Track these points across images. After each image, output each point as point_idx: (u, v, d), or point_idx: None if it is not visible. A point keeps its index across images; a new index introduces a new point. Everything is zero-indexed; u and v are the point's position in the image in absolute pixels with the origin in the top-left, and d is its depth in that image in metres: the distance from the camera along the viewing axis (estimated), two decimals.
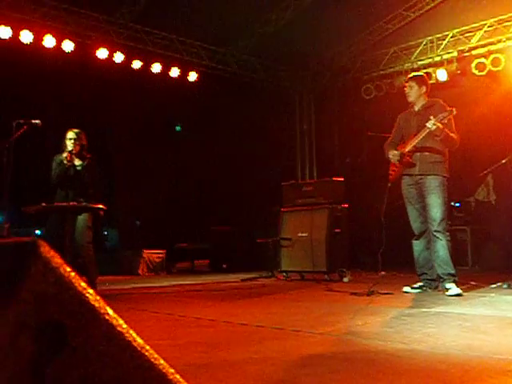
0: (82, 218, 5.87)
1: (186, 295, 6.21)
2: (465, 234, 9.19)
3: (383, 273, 7.23)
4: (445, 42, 9.89)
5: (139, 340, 0.68)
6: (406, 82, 5.87)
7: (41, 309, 0.63)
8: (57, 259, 0.68)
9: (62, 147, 6.18)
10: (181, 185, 11.42)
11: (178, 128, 12.97)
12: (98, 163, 6.30)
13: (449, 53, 9.91)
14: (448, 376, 2.25)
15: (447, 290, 5.27)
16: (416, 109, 5.76)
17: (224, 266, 10.64)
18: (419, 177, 5.58)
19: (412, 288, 5.65)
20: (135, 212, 11.58)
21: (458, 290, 5.21)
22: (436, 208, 5.44)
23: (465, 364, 2.42)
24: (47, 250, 0.68)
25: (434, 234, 5.45)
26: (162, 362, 0.68)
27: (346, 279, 7.22)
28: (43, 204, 5.34)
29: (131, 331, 0.69)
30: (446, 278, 5.39)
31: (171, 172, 11.60)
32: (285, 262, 7.99)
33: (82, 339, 0.63)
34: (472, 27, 9.50)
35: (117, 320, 0.67)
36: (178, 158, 11.69)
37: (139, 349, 0.66)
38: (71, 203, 5.63)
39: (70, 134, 6.13)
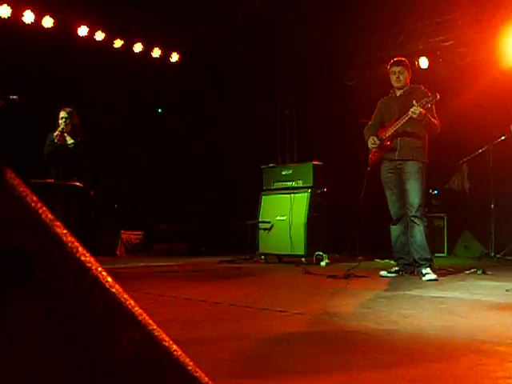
0: (77, 198, 5.97)
1: (163, 276, 6.19)
2: (442, 221, 9.29)
3: (361, 257, 7.27)
4: (428, 31, 9.90)
5: (109, 279, 0.67)
6: (394, 66, 5.74)
7: (5, 236, 0.61)
8: (24, 188, 0.66)
9: (55, 126, 6.25)
10: (161, 167, 11.32)
11: (159, 111, 12.85)
12: (88, 142, 6.41)
13: (431, 41, 9.92)
14: (422, 354, 2.28)
15: (423, 275, 5.32)
16: (398, 94, 5.76)
17: (203, 248, 10.62)
18: (399, 162, 5.60)
19: (389, 272, 5.70)
20: (114, 193, 11.48)
21: (433, 276, 5.27)
22: (414, 193, 5.47)
23: (439, 343, 2.45)
24: (13, 177, 0.66)
25: (412, 219, 5.49)
26: (131, 302, 0.66)
27: (323, 263, 7.25)
28: (32, 180, 5.29)
29: (101, 269, 0.67)
30: (422, 262, 5.45)
31: (152, 154, 11.50)
32: (263, 244, 8.00)
33: (48, 272, 0.61)
34: (455, 16, 9.51)
35: (85, 256, 0.65)
36: (159, 141, 11.59)
37: (108, 287, 0.65)
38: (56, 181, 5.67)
39: (62, 113, 6.22)
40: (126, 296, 0.67)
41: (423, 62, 9.83)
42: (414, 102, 5.31)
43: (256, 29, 10.61)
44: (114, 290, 0.65)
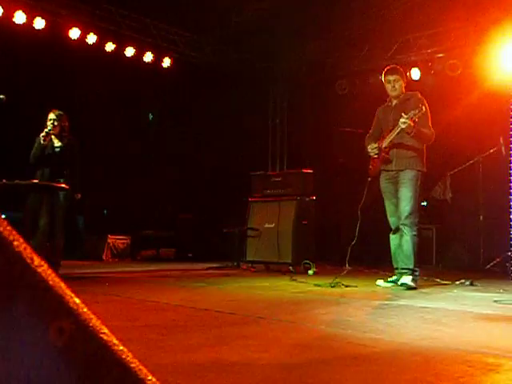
0: (62, 200, 5.90)
1: (148, 281, 6.11)
2: (430, 232, 9.25)
3: (349, 267, 7.21)
4: (419, 42, 9.92)
5: (35, 257, 0.60)
6: (389, 74, 5.65)
7: None
8: None
9: (44, 128, 6.19)
10: (150, 172, 11.24)
11: (150, 117, 12.78)
12: (77, 145, 6.37)
13: (423, 53, 9.94)
14: (408, 363, 2.22)
15: (402, 283, 5.30)
16: (394, 102, 5.68)
17: (190, 254, 10.53)
18: (395, 172, 5.57)
19: (386, 281, 5.64)
20: (103, 199, 11.38)
21: (410, 284, 5.22)
22: (405, 201, 5.43)
23: (426, 353, 2.40)
24: None
25: (401, 227, 5.46)
26: (63, 286, 0.60)
27: (310, 272, 7.19)
28: (4, 180, 5.20)
29: (27, 246, 0.60)
30: (404, 271, 5.42)
31: (141, 159, 11.41)
32: (250, 252, 7.93)
33: None
34: (447, 28, 9.54)
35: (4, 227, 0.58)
36: (150, 146, 11.52)
37: (33, 265, 0.58)
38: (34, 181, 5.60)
39: (51, 115, 6.20)
40: (56, 279, 0.60)
41: (415, 73, 9.83)
42: (403, 113, 5.26)
43: (248, 37, 10.59)
44: (40, 270, 0.58)
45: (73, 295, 0.61)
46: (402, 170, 5.51)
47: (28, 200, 6.03)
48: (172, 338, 2.66)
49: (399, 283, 5.23)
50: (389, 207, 5.72)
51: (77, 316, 0.60)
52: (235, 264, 8.18)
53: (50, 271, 0.60)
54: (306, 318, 3.43)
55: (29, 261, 0.57)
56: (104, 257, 9.83)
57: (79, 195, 6.30)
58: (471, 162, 8.07)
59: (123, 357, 0.62)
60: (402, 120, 5.22)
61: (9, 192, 5.87)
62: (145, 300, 4.17)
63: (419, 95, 5.62)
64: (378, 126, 5.86)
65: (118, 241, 10.11)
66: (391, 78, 5.64)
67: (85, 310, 0.61)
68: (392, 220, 5.71)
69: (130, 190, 10.97)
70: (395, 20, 9.76)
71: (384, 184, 5.71)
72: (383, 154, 5.59)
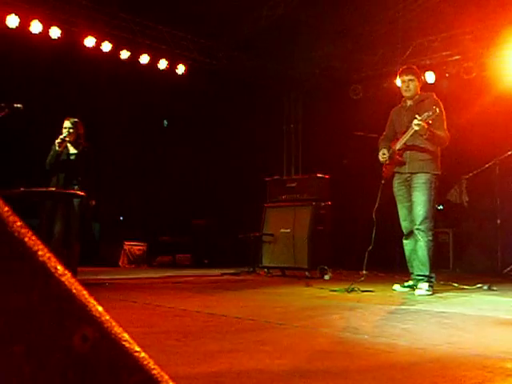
0: (77, 207, 5.96)
1: (164, 287, 6.13)
2: (447, 236, 9.19)
3: (365, 272, 7.18)
4: (434, 45, 9.88)
5: (59, 266, 0.61)
6: (404, 74, 5.60)
7: None
8: None
9: (60, 135, 6.30)
10: (166, 178, 11.29)
11: (165, 123, 12.85)
12: (92, 152, 6.44)
13: (437, 56, 9.90)
14: (425, 369, 2.21)
15: (417, 289, 5.26)
16: (408, 104, 5.62)
17: (205, 260, 10.56)
18: (408, 175, 5.51)
19: (402, 286, 5.61)
20: (118, 205, 11.46)
21: (424, 292, 5.18)
22: (420, 206, 5.37)
23: (443, 359, 2.38)
24: None
25: (415, 232, 5.40)
26: (86, 294, 0.61)
27: (326, 277, 7.17)
28: (22, 188, 5.26)
29: (51, 256, 0.61)
30: (419, 278, 5.37)
31: (156, 166, 11.48)
32: (266, 257, 7.93)
33: None
34: (461, 31, 9.50)
35: (31, 238, 0.60)
36: (164, 153, 11.58)
37: (57, 274, 0.59)
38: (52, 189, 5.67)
39: (66, 123, 6.27)
40: (79, 287, 0.62)
41: (429, 77, 9.80)
42: (417, 115, 5.20)
43: (262, 42, 10.63)
44: (64, 278, 0.60)
45: (96, 303, 0.63)
46: (416, 173, 5.45)
47: (44, 207, 6.10)
48: (188, 345, 2.67)
49: (416, 294, 5.18)
50: (401, 211, 5.66)
51: (100, 324, 0.61)
52: (251, 270, 8.18)
53: (73, 280, 0.61)
54: (322, 323, 3.43)
55: (53, 270, 0.59)
56: (120, 263, 9.89)
57: (93, 202, 6.36)
58: (488, 165, 8.02)
59: (145, 363, 0.63)
60: (415, 122, 5.16)
61: (26, 199, 5.94)
62: (161, 306, 4.19)
63: (434, 96, 5.55)
64: (392, 128, 5.81)
65: (134, 247, 10.17)
66: (406, 77, 5.57)
67: (107, 317, 0.62)
68: (404, 224, 5.64)
69: (146, 197, 11.04)
70: (409, 24, 9.74)
71: (397, 187, 5.65)
72: (397, 156, 5.54)
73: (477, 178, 8.44)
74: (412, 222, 5.52)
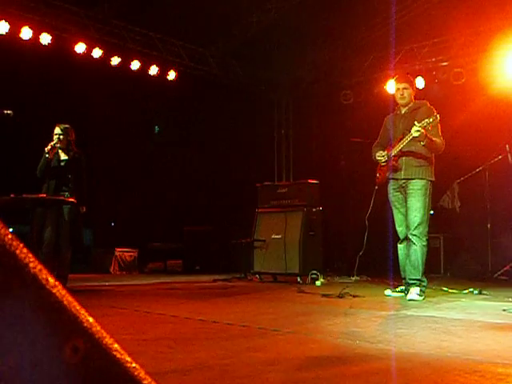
0: (67, 213, 5.94)
1: (155, 293, 6.11)
2: (438, 241, 9.22)
3: (357, 277, 7.19)
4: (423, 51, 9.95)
5: (50, 278, 0.60)
6: (398, 82, 5.63)
7: None
8: None
9: (50, 141, 6.30)
10: (157, 185, 11.28)
11: (156, 129, 12.84)
12: (83, 158, 6.44)
13: (427, 62, 9.97)
14: (417, 374, 2.22)
15: (408, 293, 5.27)
16: (403, 111, 5.65)
17: (197, 267, 10.53)
18: (403, 181, 5.53)
19: (394, 291, 5.62)
20: (110, 212, 11.43)
21: (416, 296, 5.19)
22: (415, 212, 5.39)
23: (434, 363, 2.39)
24: None
25: (410, 237, 5.41)
26: (77, 305, 0.61)
27: (318, 282, 7.17)
28: (12, 195, 5.24)
29: (41, 267, 0.61)
30: (411, 282, 5.39)
31: (147, 172, 11.46)
32: (258, 263, 7.92)
33: None
34: (451, 37, 9.57)
35: (23, 252, 0.60)
36: (155, 159, 11.57)
37: (48, 286, 0.59)
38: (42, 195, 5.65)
39: (56, 130, 6.27)
40: (70, 298, 0.62)
41: (419, 82, 9.84)
42: (416, 122, 5.22)
43: (253, 48, 10.66)
44: (55, 290, 0.60)
45: (87, 314, 0.63)
46: (411, 179, 5.47)
47: (34, 214, 6.08)
48: (180, 351, 2.66)
49: (407, 299, 5.20)
50: (397, 216, 5.68)
51: (91, 335, 0.61)
52: (242, 275, 8.16)
53: (64, 291, 0.61)
54: (314, 329, 3.43)
55: (44, 282, 0.59)
56: (111, 270, 9.85)
57: (84, 208, 6.33)
58: (477, 170, 8.06)
59: (136, 373, 0.63)
60: (415, 128, 5.17)
61: (16, 206, 5.92)
62: (152, 313, 4.18)
63: (428, 104, 5.61)
64: (386, 135, 5.82)
65: (125, 253, 10.13)
66: (400, 86, 5.60)
67: (98, 328, 0.62)
68: (400, 230, 5.66)
69: (137, 203, 11.01)
70: (399, 29, 9.80)
71: (392, 193, 5.66)
72: (392, 161, 5.56)
73: (467, 184, 8.49)
74: (407, 227, 5.54)
